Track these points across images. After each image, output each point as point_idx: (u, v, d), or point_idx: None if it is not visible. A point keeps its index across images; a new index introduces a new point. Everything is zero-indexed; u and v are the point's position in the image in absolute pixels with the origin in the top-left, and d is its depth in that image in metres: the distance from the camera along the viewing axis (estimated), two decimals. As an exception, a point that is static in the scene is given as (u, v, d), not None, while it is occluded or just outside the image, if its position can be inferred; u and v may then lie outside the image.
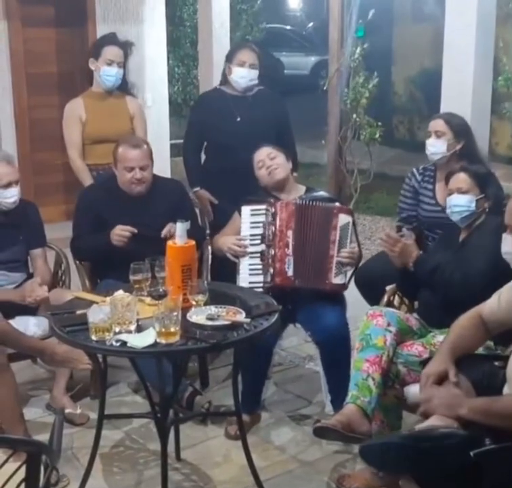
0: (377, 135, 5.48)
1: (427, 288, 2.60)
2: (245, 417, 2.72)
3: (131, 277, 2.47)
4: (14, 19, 5.31)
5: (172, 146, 6.15)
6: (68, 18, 5.62)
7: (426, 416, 1.98)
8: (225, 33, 5.69)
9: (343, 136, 5.47)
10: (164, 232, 2.96)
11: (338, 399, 2.69)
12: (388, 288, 2.81)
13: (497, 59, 4.24)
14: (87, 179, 3.47)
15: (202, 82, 5.99)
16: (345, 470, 2.62)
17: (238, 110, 3.45)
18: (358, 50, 5.36)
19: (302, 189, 3.08)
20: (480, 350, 2.24)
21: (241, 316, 2.28)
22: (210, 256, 3.34)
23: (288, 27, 14.43)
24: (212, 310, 2.30)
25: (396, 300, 2.80)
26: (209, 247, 3.29)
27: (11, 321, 2.77)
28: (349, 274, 2.89)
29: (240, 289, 2.76)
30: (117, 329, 2.16)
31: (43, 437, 2.60)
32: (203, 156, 3.67)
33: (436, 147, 3.02)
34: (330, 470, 2.63)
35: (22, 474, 1.50)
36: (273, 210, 2.89)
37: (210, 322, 2.23)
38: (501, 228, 2.44)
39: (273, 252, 2.87)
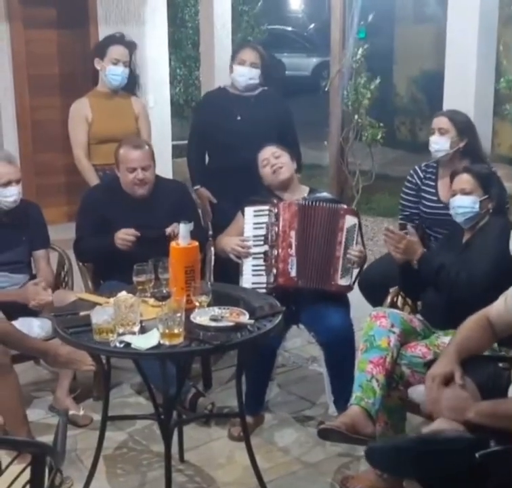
0: (379, 137, 5.48)
1: (431, 288, 2.60)
2: (248, 419, 2.71)
3: (134, 278, 2.46)
4: (16, 21, 5.31)
5: (174, 147, 6.15)
6: (69, 20, 5.63)
7: (432, 418, 1.98)
8: (226, 34, 5.68)
9: (345, 137, 5.48)
10: (168, 230, 2.96)
11: (342, 400, 2.68)
12: (391, 290, 2.81)
13: (498, 62, 4.24)
14: (94, 179, 3.47)
15: (204, 83, 5.99)
16: (348, 472, 2.61)
17: (239, 109, 3.46)
18: (360, 51, 5.37)
19: (305, 190, 3.08)
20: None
21: (245, 318, 2.27)
22: (213, 257, 3.33)
23: (290, 28, 14.44)
24: (216, 311, 2.30)
25: (399, 301, 2.80)
26: (212, 248, 3.29)
27: (14, 322, 2.76)
28: (354, 275, 2.88)
29: (243, 290, 2.76)
30: (121, 330, 2.16)
31: (47, 438, 2.62)
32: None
33: (439, 144, 3.01)
34: (333, 472, 2.62)
35: (25, 475, 1.50)
36: (276, 211, 2.89)
37: (213, 324, 2.23)
38: (505, 228, 2.44)
39: (276, 252, 2.86)
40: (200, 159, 3.61)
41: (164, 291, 2.35)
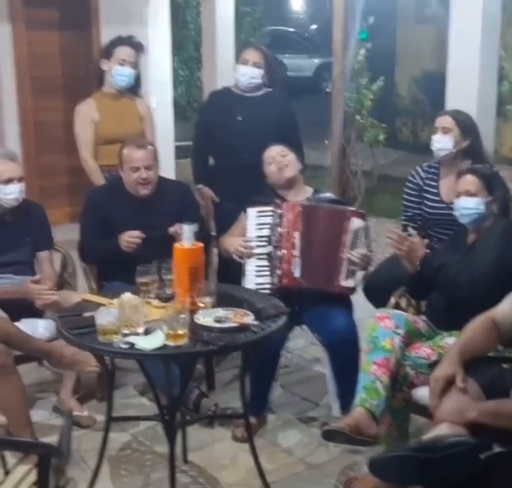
0: (381, 137, 5.48)
1: (434, 289, 2.60)
2: (252, 420, 2.71)
3: (138, 279, 2.46)
4: (18, 22, 5.31)
5: (176, 148, 6.15)
6: (72, 21, 5.63)
7: (434, 421, 1.98)
8: (229, 36, 5.69)
9: (347, 138, 5.48)
10: (172, 229, 2.96)
11: (346, 402, 2.68)
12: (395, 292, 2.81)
13: (500, 63, 4.24)
14: (100, 180, 3.47)
15: (206, 84, 5.99)
16: (352, 473, 2.61)
17: (241, 109, 3.46)
18: (362, 52, 5.37)
19: (309, 191, 3.07)
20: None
21: (249, 319, 2.27)
22: (216, 258, 3.33)
23: (291, 29, 14.45)
24: (220, 312, 2.30)
25: (403, 302, 2.79)
26: (215, 249, 3.29)
27: (17, 323, 2.76)
28: (358, 277, 2.88)
29: (247, 291, 2.76)
30: (125, 331, 2.16)
31: (50, 439, 2.61)
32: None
33: (442, 143, 3.01)
34: (337, 473, 2.63)
35: (31, 476, 1.50)
36: (279, 211, 2.89)
37: (218, 325, 2.22)
38: (508, 230, 2.44)
39: (279, 253, 2.86)
40: (203, 158, 3.62)
41: (168, 292, 2.35)
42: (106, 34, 5.47)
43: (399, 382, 2.40)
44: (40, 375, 3.30)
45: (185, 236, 2.39)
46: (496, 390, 2.04)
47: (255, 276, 2.90)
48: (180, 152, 6.29)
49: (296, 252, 2.85)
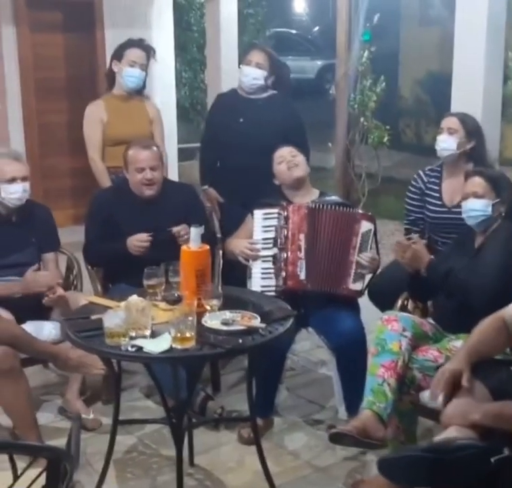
0: (385, 139, 5.48)
1: (442, 293, 2.59)
2: (259, 421, 2.70)
3: (145, 282, 2.46)
4: (22, 25, 5.32)
5: (179, 150, 6.15)
6: (76, 23, 5.65)
7: (443, 425, 1.98)
8: (232, 37, 5.69)
9: (351, 140, 5.48)
10: (175, 229, 2.96)
11: (353, 404, 2.67)
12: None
13: (505, 64, 4.23)
14: (106, 182, 3.48)
15: (210, 86, 5.99)
16: (359, 476, 2.60)
17: (245, 111, 3.47)
18: (366, 54, 5.37)
19: (316, 193, 3.07)
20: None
21: (256, 321, 2.27)
22: (221, 260, 3.33)
23: (294, 31, 14.45)
24: (227, 315, 2.29)
25: (410, 304, 2.79)
26: (220, 252, 3.29)
27: (23, 325, 2.75)
28: (366, 281, 2.87)
29: (253, 293, 2.75)
30: (132, 334, 2.15)
31: (56, 442, 2.62)
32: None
33: (447, 143, 3.02)
34: (344, 476, 2.62)
35: (39, 480, 1.49)
36: (285, 214, 2.89)
37: (225, 328, 2.22)
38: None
39: (285, 255, 2.86)
40: (210, 159, 3.63)
41: (176, 295, 2.35)
42: (110, 37, 5.50)
43: (406, 385, 2.40)
44: (45, 377, 3.30)
45: (192, 238, 2.39)
46: (504, 393, 2.03)
47: (261, 279, 2.90)
48: (183, 155, 6.29)
49: (302, 254, 2.85)
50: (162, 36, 5.85)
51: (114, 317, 2.15)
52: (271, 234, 2.91)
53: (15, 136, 5.36)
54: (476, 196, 2.56)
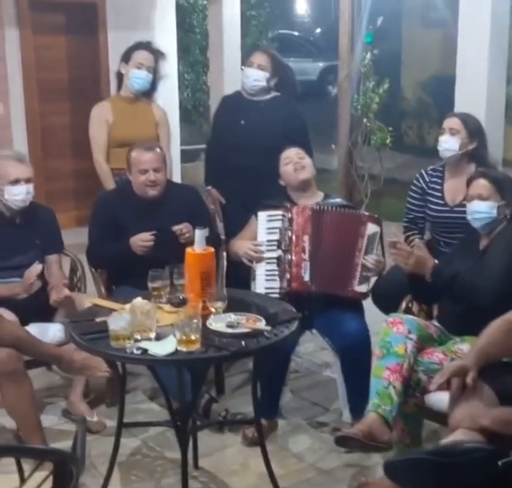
0: (388, 141, 5.48)
1: (448, 296, 2.58)
2: (263, 422, 2.69)
3: (150, 284, 2.46)
4: (25, 27, 5.32)
5: (182, 152, 6.15)
6: (79, 25, 5.65)
7: (451, 428, 1.97)
8: (235, 39, 5.70)
9: (354, 141, 5.48)
10: (176, 227, 2.96)
11: (358, 407, 2.67)
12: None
13: (509, 66, 4.24)
14: (110, 184, 3.48)
15: (213, 88, 6.01)
16: (364, 478, 2.59)
17: (246, 113, 3.47)
18: (368, 55, 5.37)
19: (320, 195, 3.07)
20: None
21: (261, 324, 2.26)
22: (225, 262, 3.33)
23: (296, 33, 14.46)
24: (232, 317, 2.29)
25: (415, 307, 2.78)
26: (224, 254, 3.29)
27: (27, 327, 2.75)
28: (371, 283, 2.86)
29: (257, 295, 2.75)
30: (137, 337, 2.15)
31: (60, 445, 2.62)
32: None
33: (449, 144, 3.03)
34: (349, 478, 2.61)
35: (42, 482, 1.49)
36: (289, 215, 2.88)
37: (230, 330, 2.22)
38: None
39: (289, 257, 2.86)
40: (214, 160, 3.63)
41: (180, 297, 2.35)
42: (113, 39, 5.50)
43: (411, 388, 2.38)
44: (49, 379, 3.29)
45: (197, 240, 2.38)
46: (511, 396, 2.02)
47: (265, 280, 2.90)
48: (186, 156, 6.29)
49: (306, 256, 2.85)
50: (165, 38, 5.84)
51: (119, 319, 2.14)
52: (276, 236, 2.91)
53: (18, 138, 5.36)
54: (481, 198, 2.56)
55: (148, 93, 3.62)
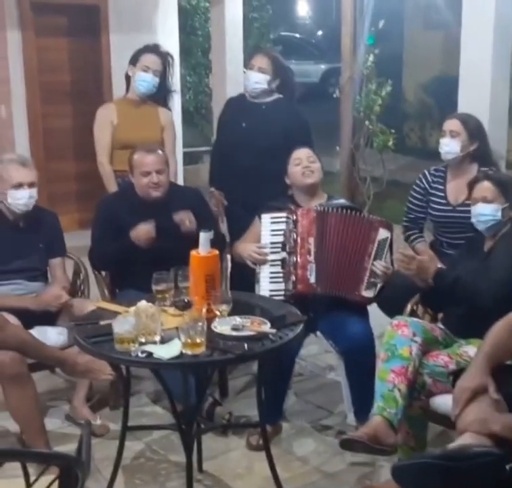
0: (390, 143, 5.47)
1: (451, 299, 2.57)
2: (267, 428, 2.69)
3: (154, 287, 2.45)
4: (28, 29, 5.32)
5: (184, 154, 6.16)
6: (81, 28, 5.65)
7: (457, 430, 1.95)
8: (238, 41, 5.70)
9: (356, 144, 5.47)
10: (177, 217, 2.96)
11: (362, 410, 2.66)
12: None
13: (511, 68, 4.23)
14: (112, 186, 3.47)
15: (215, 90, 6.00)
16: (368, 482, 2.58)
17: (248, 115, 3.47)
18: (371, 57, 5.37)
19: (324, 196, 3.07)
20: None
21: (266, 327, 2.26)
22: (229, 265, 3.32)
23: (298, 35, 14.48)
24: (237, 320, 2.28)
25: (420, 309, 2.77)
26: (228, 256, 3.28)
27: (30, 331, 2.74)
28: (377, 289, 2.84)
29: (261, 298, 2.74)
30: (142, 340, 2.14)
31: (64, 448, 2.61)
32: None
33: (450, 146, 3.04)
34: (353, 482, 2.60)
35: (47, 487, 1.48)
36: (294, 217, 2.88)
37: (235, 333, 2.21)
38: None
39: (294, 259, 2.85)
40: (218, 162, 3.62)
41: (185, 300, 2.34)
42: (115, 41, 5.51)
43: (416, 391, 2.38)
44: (52, 383, 3.28)
45: (201, 243, 2.38)
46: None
47: (269, 283, 2.89)
48: (188, 159, 6.29)
49: (312, 258, 2.84)
50: (167, 41, 5.83)
51: (123, 323, 2.13)
52: (280, 238, 2.90)
53: (20, 140, 5.36)
54: (485, 201, 2.55)
55: (157, 98, 3.60)
